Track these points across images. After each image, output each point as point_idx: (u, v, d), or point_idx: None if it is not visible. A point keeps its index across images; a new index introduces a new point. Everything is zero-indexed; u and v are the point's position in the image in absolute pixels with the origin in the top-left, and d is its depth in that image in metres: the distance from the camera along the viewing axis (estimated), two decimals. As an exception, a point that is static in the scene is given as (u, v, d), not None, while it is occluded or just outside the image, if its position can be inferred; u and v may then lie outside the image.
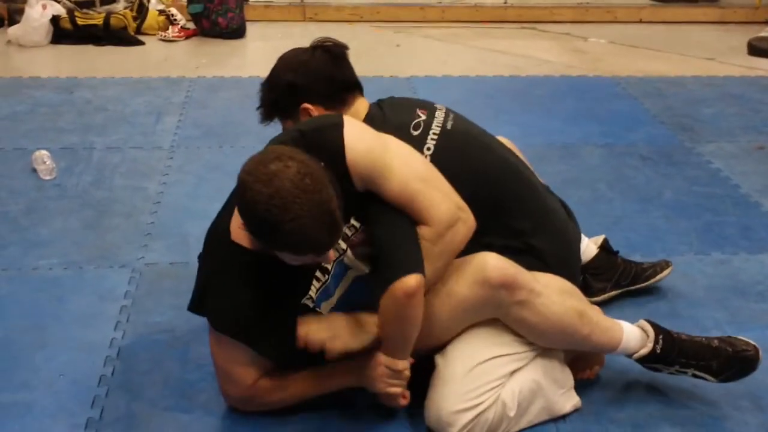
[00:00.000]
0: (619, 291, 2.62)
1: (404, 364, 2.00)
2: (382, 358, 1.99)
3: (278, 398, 2.08)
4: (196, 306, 2.07)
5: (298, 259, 1.83)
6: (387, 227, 1.96)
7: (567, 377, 2.16)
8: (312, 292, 2.01)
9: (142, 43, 5.43)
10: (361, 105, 2.29)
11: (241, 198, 1.78)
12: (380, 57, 5.30)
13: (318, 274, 2.00)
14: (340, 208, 1.79)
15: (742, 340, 2.13)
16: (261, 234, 1.80)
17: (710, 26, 6.16)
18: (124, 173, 3.52)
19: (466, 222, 2.00)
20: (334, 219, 1.76)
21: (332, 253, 1.85)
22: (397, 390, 2.03)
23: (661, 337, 2.11)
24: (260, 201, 1.72)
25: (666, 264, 2.68)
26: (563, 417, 2.15)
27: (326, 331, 1.98)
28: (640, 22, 6.20)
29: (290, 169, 1.73)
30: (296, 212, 1.71)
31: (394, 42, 5.67)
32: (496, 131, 2.52)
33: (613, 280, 2.60)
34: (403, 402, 2.07)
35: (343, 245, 2.00)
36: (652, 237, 3.08)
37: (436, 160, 2.13)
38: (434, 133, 2.20)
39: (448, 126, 2.24)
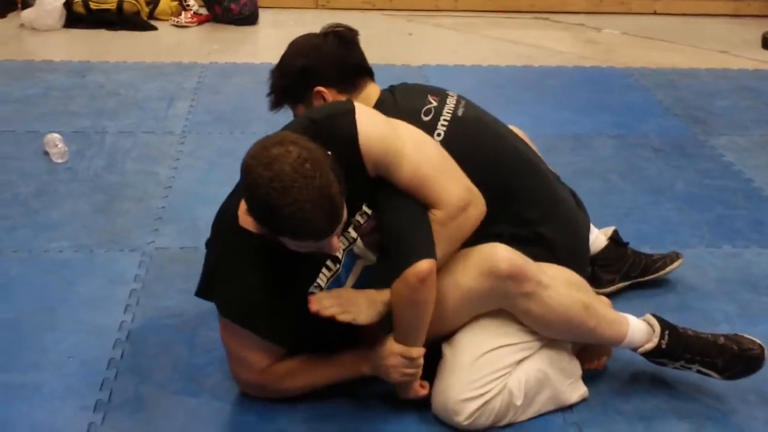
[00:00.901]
0: (629, 282, 2.61)
1: (418, 351, 2.00)
2: (396, 347, 1.99)
3: (290, 386, 2.08)
4: (203, 291, 2.07)
5: (298, 245, 1.83)
6: (398, 213, 1.96)
7: (574, 367, 2.16)
8: (321, 281, 2.01)
9: (154, 28, 5.43)
10: (373, 90, 2.29)
11: (244, 181, 1.78)
12: (392, 45, 5.29)
13: (329, 263, 2.00)
14: (342, 194, 1.78)
15: (749, 339, 2.13)
16: (261, 218, 1.80)
17: (724, 19, 6.12)
18: (136, 158, 3.53)
19: (478, 206, 2.00)
20: (334, 205, 1.76)
21: (336, 242, 1.85)
22: (412, 378, 2.03)
23: (666, 332, 2.11)
24: (261, 184, 1.73)
25: (676, 256, 2.67)
26: (570, 407, 2.15)
27: (337, 306, 1.97)
28: (654, 13, 6.17)
29: (291, 153, 1.73)
30: (295, 196, 1.71)
31: (406, 31, 5.66)
32: (508, 121, 2.51)
33: (623, 271, 2.59)
34: (422, 392, 2.07)
35: (354, 234, 2.00)
36: (663, 229, 3.08)
37: (446, 146, 2.12)
38: (445, 120, 2.20)
39: (459, 113, 2.24)
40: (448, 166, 2.01)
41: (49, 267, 2.72)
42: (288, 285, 1.98)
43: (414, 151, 1.96)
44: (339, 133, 1.93)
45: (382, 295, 1.98)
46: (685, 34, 5.71)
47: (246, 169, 1.76)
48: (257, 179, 1.73)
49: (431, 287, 1.91)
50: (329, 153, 1.81)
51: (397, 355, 1.99)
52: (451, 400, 2.00)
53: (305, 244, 1.82)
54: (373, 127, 1.96)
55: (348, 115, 1.96)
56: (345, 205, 1.82)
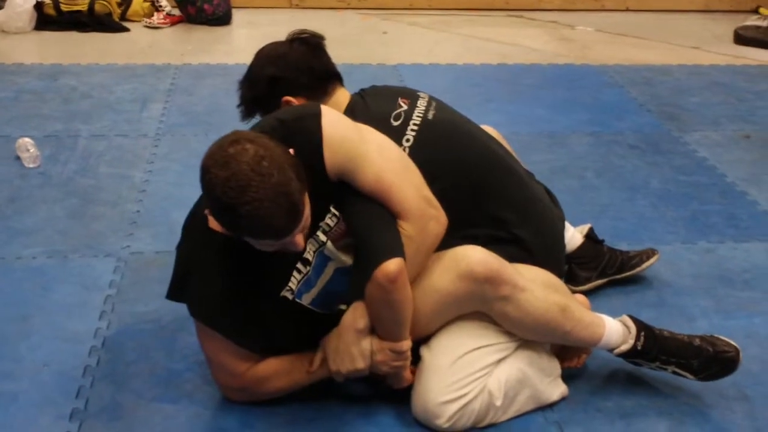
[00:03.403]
0: (605, 280, 2.62)
1: (407, 344, 1.99)
2: (383, 345, 1.98)
3: (272, 387, 2.07)
4: (174, 294, 2.05)
5: (261, 244, 1.82)
6: (363, 216, 1.95)
7: (554, 366, 2.16)
8: (292, 284, 1.99)
9: (126, 29, 5.39)
10: (343, 95, 2.29)
11: (202, 182, 1.77)
12: (367, 45, 5.27)
13: (299, 266, 1.99)
14: (303, 192, 1.77)
15: (724, 341, 2.14)
16: (221, 218, 1.79)
17: (696, 14, 6.15)
18: (110, 161, 3.49)
19: (438, 219, 2.00)
20: (293, 202, 1.74)
21: (300, 240, 1.83)
22: (401, 369, 2.02)
23: (642, 333, 2.12)
24: (217, 184, 1.71)
25: (652, 252, 2.68)
26: (550, 405, 2.15)
27: (335, 367, 2.01)
28: (627, 10, 6.19)
29: (248, 152, 1.72)
30: (252, 196, 1.70)
31: (381, 29, 5.64)
32: (484, 119, 2.51)
33: (599, 269, 2.60)
34: (410, 377, 2.06)
35: (323, 237, 1.99)
36: (639, 225, 3.09)
37: (417, 150, 2.13)
38: (415, 124, 2.20)
39: (430, 116, 2.24)
40: (412, 176, 2.00)
41: (22, 274, 2.69)
42: (259, 287, 1.97)
43: (378, 157, 1.95)
44: (304, 134, 1.92)
45: (353, 314, 1.97)
46: (658, 30, 5.74)
47: (203, 169, 1.75)
48: (214, 179, 1.72)
49: (403, 285, 1.90)
50: (291, 151, 1.80)
51: (386, 351, 1.98)
52: (431, 402, 2.00)
53: (267, 243, 1.81)
54: (338, 130, 1.95)
55: (314, 117, 1.95)
56: (308, 203, 1.81)
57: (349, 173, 1.94)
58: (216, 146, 1.76)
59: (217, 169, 1.72)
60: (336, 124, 1.96)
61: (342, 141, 1.94)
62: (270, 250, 1.85)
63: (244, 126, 2.15)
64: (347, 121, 2.02)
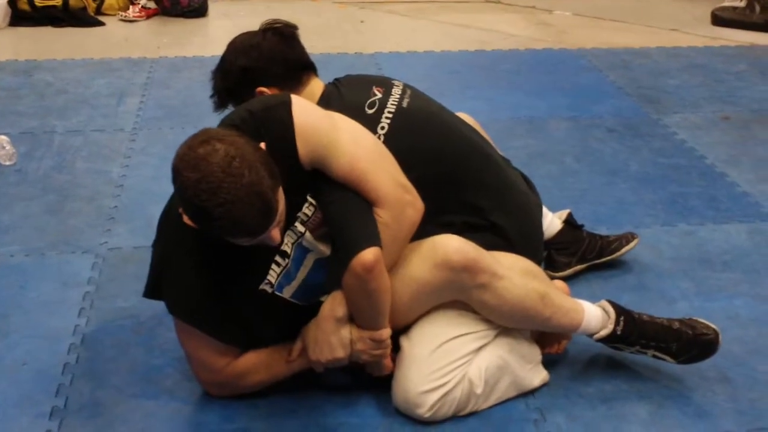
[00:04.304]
0: (585, 265, 2.62)
1: (386, 333, 1.98)
2: (363, 334, 1.97)
3: (252, 381, 2.06)
4: (151, 291, 2.04)
5: (237, 241, 1.81)
6: (338, 205, 1.94)
7: (534, 352, 2.16)
8: (271, 277, 1.98)
9: (102, 23, 5.35)
10: (317, 85, 2.28)
11: (174, 183, 1.76)
12: (344, 34, 5.26)
13: (278, 258, 1.97)
14: (276, 188, 1.76)
15: (703, 323, 2.14)
16: (195, 219, 1.78)
17: (674, -4, 6.17)
18: (86, 156, 3.47)
19: (415, 205, 1.99)
20: (266, 201, 1.73)
21: (276, 234, 1.82)
22: (381, 357, 2.02)
23: (622, 318, 2.12)
24: (189, 187, 1.70)
25: (632, 236, 2.68)
26: (532, 392, 2.15)
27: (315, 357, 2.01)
28: (605, -7, 6.19)
29: (218, 152, 1.70)
30: (224, 197, 1.68)
31: (358, 18, 5.62)
32: (462, 106, 2.50)
33: (579, 254, 2.60)
34: (391, 365, 2.05)
35: (301, 228, 1.97)
36: (618, 209, 3.09)
37: (392, 138, 2.11)
38: (389, 112, 2.19)
39: (404, 104, 2.23)
40: (386, 163, 1.99)
41: (0, 272, 2.66)
42: (237, 282, 1.95)
43: (351, 144, 1.94)
44: (275, 124, 1.90)
45: (332, 303, 1.97)
46: (636, 13, 5.74)
47: (174, 171, 1.74)
48: (185, 182, 1.71)
49: (380, 274, 1.89)
50: (262, 146, 1.79)
51: (365, 339, 1.97)
52: (412, 392, 1.99)
53: (243, 241, 1.80)
54: (309, 118, 1.93)
55: (284, 106, 1.93)
56: (283, 198, 1.79)
57: (323, 161, 1.92)
58: (186, 147, 1.75)
59: (188, 172, 1.70)
60: (307, 112, 1.95)
61: (314, 129, 1.92)
62: (246, 245, 1.84)
63: (219, 118, 2.13)
64: (318, 110, 2.00)
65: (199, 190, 1.69)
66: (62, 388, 2.16)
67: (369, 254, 1.86)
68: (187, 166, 1.71)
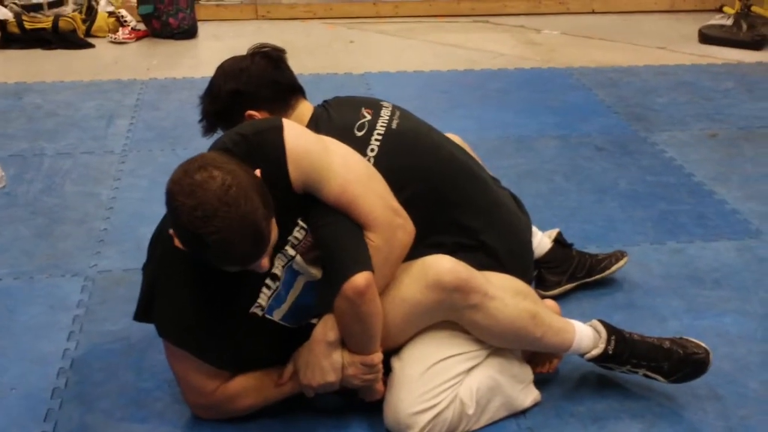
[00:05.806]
0: (576, 284, 2.62)
1: (378, 357, 1.98)
2: (354, 359, 1.97)
3: (242, 405, 2.06)
4: (142, 314, 2.04)
5: (227, 268, 1.81)
6: (329, 228, 1.94)
7: (525, 372, 2.16)
8: (262, 301, 1.98)
9: (92, 45, 5.35)
10: (305, 108, 2.28)
11: (168, 207, 1.76)
12: (334, 54, 5.27)
13: (268, 281, 1.97)
14: (269, 217, 1.77)
15: (694, 342, 2.15)
16: (187, 245, 1.78)
17: (661, 15, 6.20)
18: (76, 179, 3.46)
19: (405, 228, 1.99)
20: (259, 230, 1.74)
21: (265, 261, 1.82)
22: (373, 382, 2.02)
23: (613, 337, 2.12)
24: (183, 212, 1.70)
25: (621, 254, 2.69)
26: (523, 412, 2.15)
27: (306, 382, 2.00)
28: (593, 12, 6.23)
29: (215, 180, 1.70)
30: (218, 225, 1.69)
31: (347, 38, 5.64)
32: (452, 125, 2.51)
33: (569, 272, 2.60)
34: (382, 389, 2.05)
35: (292, 252, 1.97)
36: (608, 228, 3.10)
37: (381, 160, 2.12)
38: (378, 134, 2.19)
39: (393, 125, 2.23)
40: (377, 186, 1.99)
41: (-12, 296, 2.66)
42: (227, 305, 1.95)
43: (342, 168, 1.94)
44: (267, 148, 1.91)
45: (323, 327, 1.96)
46: (624, 31, 5.77)
47: (169, 195, 1.74)
48: (180, 207, 1.71)
49: (372, 299, 1.89)
50: (257, 173, 1.80)
51: (357, 364, 1.97)
52: (403, 413, 1.99)
53: (232, 268, 1.80)
54: (301, 142, 1.94)
55: (276, 131, 1.94)
56: (275, 227, 1.80)
57: (314, 185, 1.93)
58: (182, 171, 1.75)
59: (184, 197, 1.70)
60: (299, 136, 1.95)
61: (305, 153, 1.92)
62: (234, 271, 1.84)
63: (209, 141, 2.14)
64: (310, 134, 2.01)
65: (193, 217, 1.69)
66: (51, 412, 2.15)
67: (361, 278, 1.86)
68: (183, 192, 1.71)
